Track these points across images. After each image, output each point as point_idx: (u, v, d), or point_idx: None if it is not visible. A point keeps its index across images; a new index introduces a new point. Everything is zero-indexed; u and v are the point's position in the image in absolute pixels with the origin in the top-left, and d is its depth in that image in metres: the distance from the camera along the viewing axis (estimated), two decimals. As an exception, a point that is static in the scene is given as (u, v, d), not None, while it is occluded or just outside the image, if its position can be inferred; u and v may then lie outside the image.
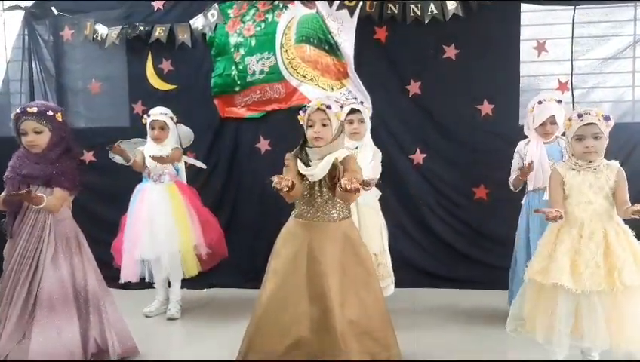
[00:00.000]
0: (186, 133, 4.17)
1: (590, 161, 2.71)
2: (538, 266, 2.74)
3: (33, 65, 5.05)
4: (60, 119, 2.96)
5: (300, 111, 2.90)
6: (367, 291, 2.88)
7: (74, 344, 2.94)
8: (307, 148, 2.87)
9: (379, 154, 3.72)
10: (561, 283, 2.59)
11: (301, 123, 2.89)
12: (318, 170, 2.77)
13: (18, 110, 2.92)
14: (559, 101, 3.44)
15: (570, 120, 2.73)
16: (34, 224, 2.95)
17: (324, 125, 2.81)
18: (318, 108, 2.81)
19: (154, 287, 4.13)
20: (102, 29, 4.84)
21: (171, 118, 4.02)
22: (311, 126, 2.82)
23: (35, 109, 2.89)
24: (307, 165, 2.82)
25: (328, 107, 2.82)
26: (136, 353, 3.22)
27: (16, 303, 2.90)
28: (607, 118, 2.66)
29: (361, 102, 4.00)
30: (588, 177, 2.72)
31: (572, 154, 2.77)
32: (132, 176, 4.07)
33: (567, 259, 2.63)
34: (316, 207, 2.85)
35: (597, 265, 2.58)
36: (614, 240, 2.62)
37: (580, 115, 2.69)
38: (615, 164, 2.75)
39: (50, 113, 2.92)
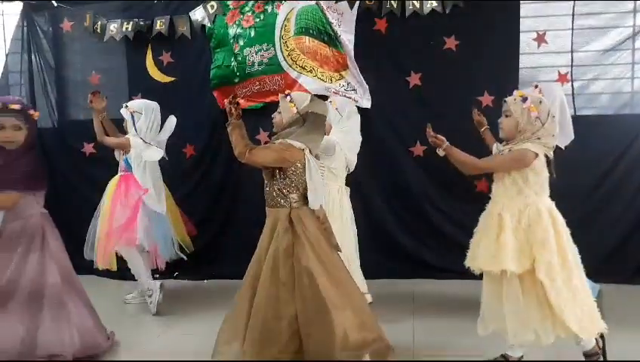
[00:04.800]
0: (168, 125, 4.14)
1: (506, 141, 2.81)
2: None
3: (33, 57, 5.06)
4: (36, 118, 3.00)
5: None
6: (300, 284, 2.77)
7: (10, 343, 2.83)
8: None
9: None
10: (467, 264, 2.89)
11: None
12: None
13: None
14: None
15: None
16: (5, 216, 2.90)
17: (279, 112, 2.95)
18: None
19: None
20: (102, 21, 4.83)
21: (126, 106, 4.05)
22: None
23: (18, 106, 2.89)
24: None
25: (285, 96, 2.90)
26: (100, 349, 3.14)
27: None
28: (524, 100, 2.72)
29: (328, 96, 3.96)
30: None
31: None
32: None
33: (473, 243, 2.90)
34: (268, 194, 2.88)
35: (487, 248, 2.74)
36: (508, 225, 2.69)
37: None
38: (525, 145, 2.70)
39: (31, 112, 2.95)
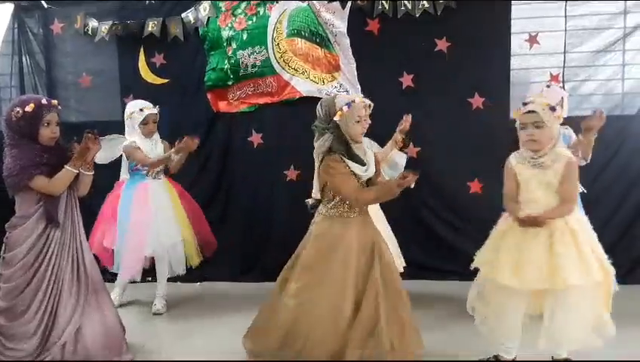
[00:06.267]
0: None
1: (535, 152, 2.67)
2: (485, 257, 2.79)
3: (23, 59, 5.02)
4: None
5: (344, 107, 2.79)
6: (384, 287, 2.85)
7: (116, 325, 3.09)
8: (353, 147, 2.86)
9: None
10: (504, 283, 2.61)
11: (336, 118, 2.79)
12: (371, 167, 2.88)
13: (44, 100, 2.90)
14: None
15: (519, 108, 2.74)
16: (65, 208, 2.96)
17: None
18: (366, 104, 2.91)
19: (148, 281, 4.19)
20: (93, 23, 4.80)
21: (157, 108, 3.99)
22: (359, 121, 2.85)
23: (56, 102, 2.96)
24: (362, 164, 2.84)
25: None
26: None
27: (67, 291, 2.90)
28: (552, 109, 2.63)
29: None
30: (535, 173, 2.68)
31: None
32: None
33: (509, 257, 2.63)
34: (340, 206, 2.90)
35: (539, 267, 2.57)
36: (559, 240, 2.59)
37: (524, 103, 2.70)
38: (565, 153, 2.68)
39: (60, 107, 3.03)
